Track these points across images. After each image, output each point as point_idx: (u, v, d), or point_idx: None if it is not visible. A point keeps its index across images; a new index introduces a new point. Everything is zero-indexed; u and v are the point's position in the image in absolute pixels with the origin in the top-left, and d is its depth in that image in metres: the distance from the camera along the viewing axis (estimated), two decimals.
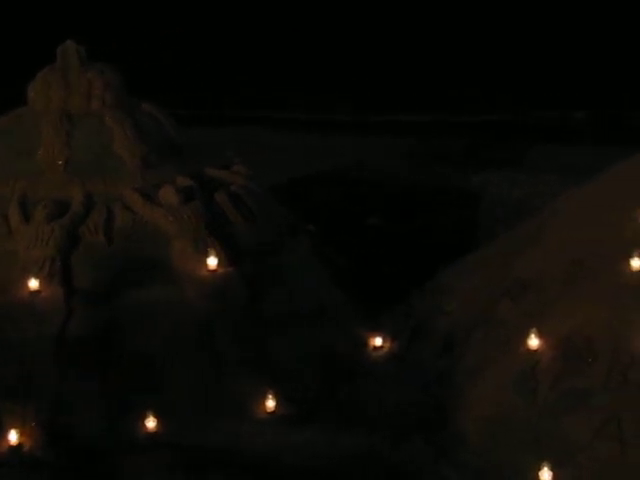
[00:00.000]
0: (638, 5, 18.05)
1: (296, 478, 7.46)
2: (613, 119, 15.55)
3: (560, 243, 8.36)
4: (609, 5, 18.99)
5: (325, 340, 8.49)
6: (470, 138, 15.12)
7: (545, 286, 8.13)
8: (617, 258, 7.73)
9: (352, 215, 12.08)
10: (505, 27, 19.29)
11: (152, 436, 7.68)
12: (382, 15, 20.26)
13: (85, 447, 7.57)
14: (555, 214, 8.82)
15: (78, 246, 8.33)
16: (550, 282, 8.12)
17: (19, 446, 7.52)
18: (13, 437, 7.51)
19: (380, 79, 18.15)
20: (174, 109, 9.81)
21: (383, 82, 18.06)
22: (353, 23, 20.08)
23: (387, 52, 19.01)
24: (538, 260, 8.36)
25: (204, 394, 7.91)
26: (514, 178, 12.79)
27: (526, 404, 7.49)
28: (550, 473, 6.99)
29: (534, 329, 7.67)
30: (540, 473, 7.01)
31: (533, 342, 7.69)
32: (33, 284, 8.10)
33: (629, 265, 7.64)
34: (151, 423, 7.70)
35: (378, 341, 8.62)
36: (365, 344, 8.62)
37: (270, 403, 7.91)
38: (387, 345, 8.64)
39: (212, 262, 8.34)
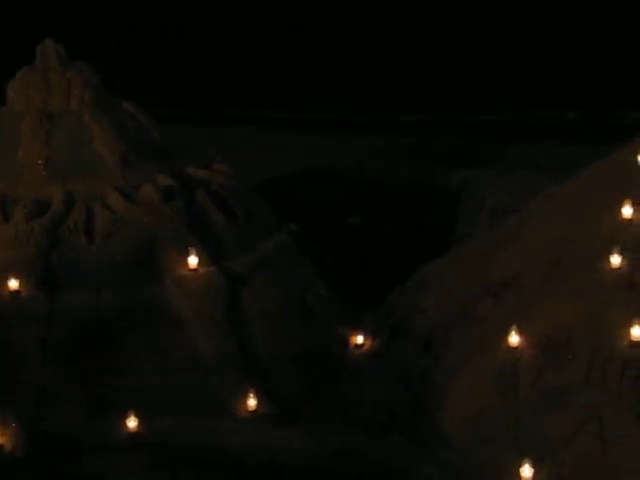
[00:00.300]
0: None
1: (278, 477, 7.48)
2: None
3: (538, 242, 8.40)
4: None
5: (308, 338, 8.50)
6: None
7: (524, 284, 8.17)
8: (594, 256, 7.77)
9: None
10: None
11: (133, 436, 7.67)
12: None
13: (66, 447, 7.56)
14: (533, 213, 8.87)
15: (58, 245, 8.31)
16: (529, 280, 8.16)
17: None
18: None
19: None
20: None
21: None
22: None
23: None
24: (517, 259, 8.40)
25: (186, 393, 7.90)
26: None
27: (507, 402, 7.51)
28: (531, 470, 7.02)
29: (514, 326, 7.71)
30: (521, 470, 7.04)
31: (513, 340, 7.72)
32: (13, 284, 8.07)
33: (606, 262, 7.69)
34: (132, 423, 7.69)
35: (359, 339, 8.65)
36: (347, 342, 8.65)
37: (252, 402, 7.91)
38: (368, 343, 8.66)
39: (193, 261, 8.34)
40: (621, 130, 9.43)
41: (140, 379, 7.88)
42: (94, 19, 20.05)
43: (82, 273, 8.19)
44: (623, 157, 8.44)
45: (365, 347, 8.65)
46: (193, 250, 8.34)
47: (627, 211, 7.92)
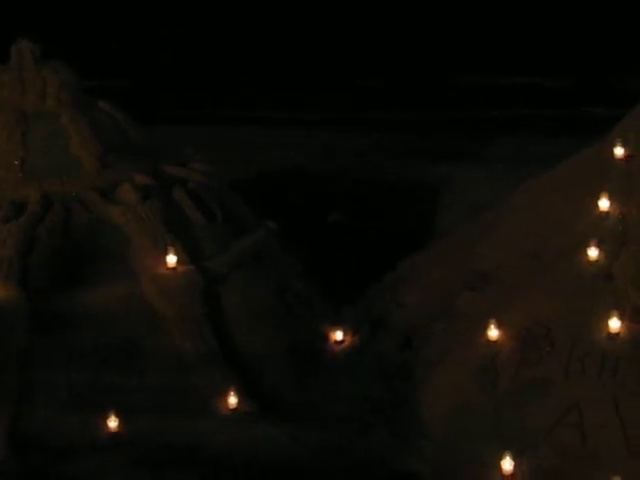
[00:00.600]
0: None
1: (260, 473, 7.47)
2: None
3: (516, 235, 8.43)
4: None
5: (288, 336, 8.50)
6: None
7: (503, 278, 8.20)
8: (572, 249, 7.81)
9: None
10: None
11: (114, 435, 7.65)
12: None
13: (46, 448, 7.54)
14: (510, 207, 8.90)
15: (36, 246, 8.27)
16: (508, 274, 8.19)
17: None
18: None
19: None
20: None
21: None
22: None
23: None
24: (496, 252, 8.43)
25: (165, 392, 7.89)
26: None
27: (487, 395, 7.53)
28: (512, 463, 7.04)
29: (493, 320, 7.73)
30: (502, 463, 7.06)
31: (492, 333, 7.75)
32: None
33: (584, 255, 7.72)
34: (113, 422, 7.67)
35: (339, 335, 8.65)
36: (327, 339, 8.65)
37: (232, 400, 7.90)
38: (348, 339, 8.67)
39: (171, 260, 8.33)
40: (597, 124, 9.49)
41: (119, 379, 7.86)
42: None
43: (60, 273, 8.17)
44: (599, 151, 8.47)
45: (345, 343, 8.66)
46: (171, 249, 8.32)
47: (604, 204, 7.95)
